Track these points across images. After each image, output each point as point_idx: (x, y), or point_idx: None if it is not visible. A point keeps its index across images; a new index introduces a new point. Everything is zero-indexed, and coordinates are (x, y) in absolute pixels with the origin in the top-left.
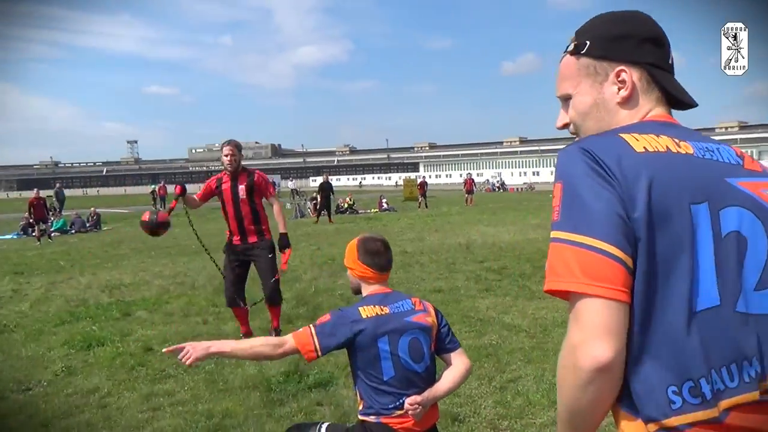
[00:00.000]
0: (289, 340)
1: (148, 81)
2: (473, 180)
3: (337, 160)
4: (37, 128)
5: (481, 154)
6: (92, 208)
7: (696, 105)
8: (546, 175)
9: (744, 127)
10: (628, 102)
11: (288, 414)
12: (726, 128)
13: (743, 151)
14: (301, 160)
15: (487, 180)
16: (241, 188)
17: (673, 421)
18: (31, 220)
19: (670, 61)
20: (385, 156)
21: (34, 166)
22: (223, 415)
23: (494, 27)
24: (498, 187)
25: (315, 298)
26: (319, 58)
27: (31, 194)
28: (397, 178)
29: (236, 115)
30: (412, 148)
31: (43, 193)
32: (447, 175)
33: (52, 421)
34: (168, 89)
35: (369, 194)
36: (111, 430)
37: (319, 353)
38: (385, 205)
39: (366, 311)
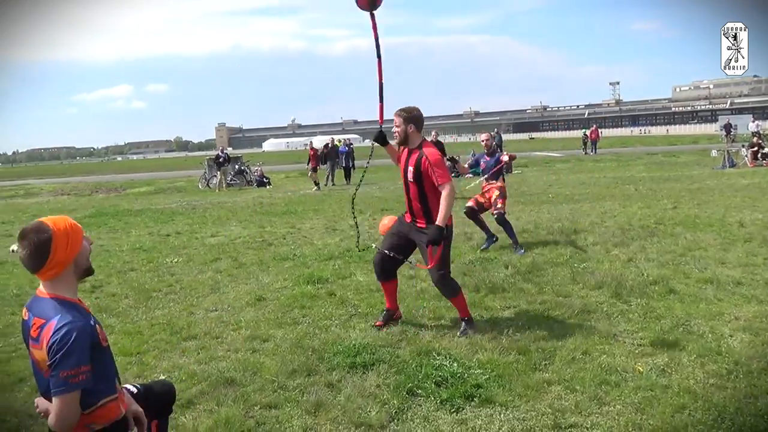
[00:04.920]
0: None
1: (631, 18)
2: None
3: None
4: (528, 74)
5: None
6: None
7: None
8: None
9: None
10: None
11: None
12: None
13: None
14: None
15: None
16: (410, 169)
17: None
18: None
19: None
20: None
21: (527, 111)
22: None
23: None
24: None
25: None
26: None
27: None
28: None
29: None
30: None
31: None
32: None
33: None
34: (650, 24)
35: None
36: None
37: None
38: None
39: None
